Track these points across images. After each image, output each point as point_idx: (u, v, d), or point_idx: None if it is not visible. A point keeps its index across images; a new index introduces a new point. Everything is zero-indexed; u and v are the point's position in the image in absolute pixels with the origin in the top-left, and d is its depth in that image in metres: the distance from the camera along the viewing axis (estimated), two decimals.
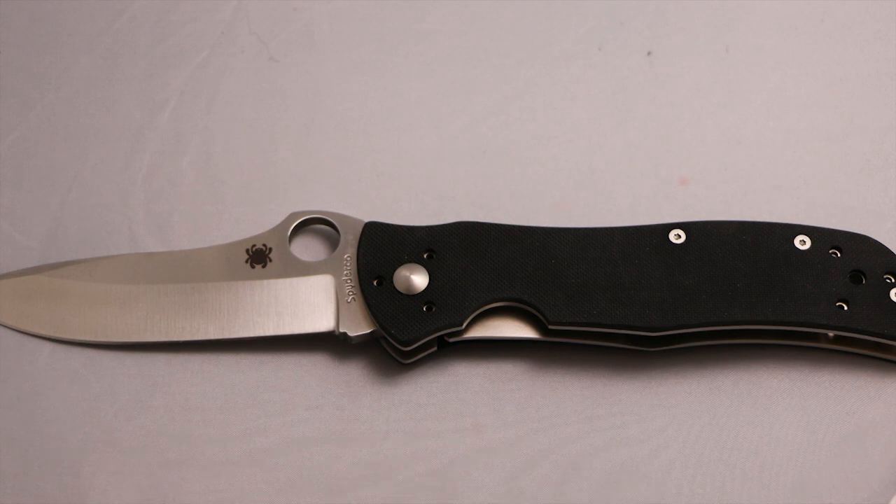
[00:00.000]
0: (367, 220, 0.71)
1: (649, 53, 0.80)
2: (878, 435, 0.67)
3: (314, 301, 0.69)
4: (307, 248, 0.73)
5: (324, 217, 0.72)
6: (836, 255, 0.69)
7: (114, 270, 0.71)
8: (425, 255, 0.69)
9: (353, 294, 0.69)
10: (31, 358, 0.70)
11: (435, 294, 0.68)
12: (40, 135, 0.77)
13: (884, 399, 0.68)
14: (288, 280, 0.70)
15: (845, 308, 0.67)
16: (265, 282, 0.70)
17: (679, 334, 0.68)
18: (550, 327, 0.68)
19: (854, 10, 0.81)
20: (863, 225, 0.71)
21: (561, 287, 0.68)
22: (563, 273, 0.68)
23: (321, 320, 0.69)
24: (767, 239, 0.69)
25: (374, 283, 0.69)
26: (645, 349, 0.69)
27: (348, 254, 0.70)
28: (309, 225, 0.72)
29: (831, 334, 0.69)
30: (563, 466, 0.67)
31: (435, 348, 0.69)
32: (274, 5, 0.81)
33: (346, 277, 0.69)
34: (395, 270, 0.69)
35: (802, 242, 0.69)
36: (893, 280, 0.68)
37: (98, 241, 0.73)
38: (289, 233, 0.71)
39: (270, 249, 0.71)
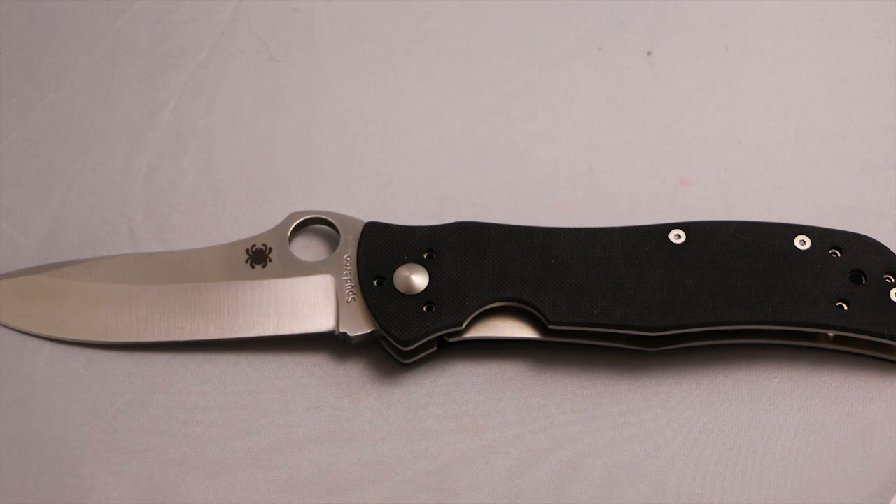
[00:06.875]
0: (367, 220, 0.71)
1: (649, 53, 0.80)
2: (878, 435, 0.67)
3: (314, 301, 0.69)
4: (307, 248, 0.73)
5: (324, 217, 0.72)
6: (836, 255, 0.69)
7: (114, 270, 0.71)
8: (425, 255, 0.69)
9: (353, 294, 0.69)
10: (31, 358, 0.70)
11: (435, 294, 0.68)
12: (40, 135, 0.77)
13: (884, 399, 0.68)
14: (288, 280, 0.70)
15: (845, 308, 0.67)
16: (265, 282, 0.70)
17: (679, 334, 0.68)
18: (550, 327, 0.68)
19: (854, 10, 0.81)
20: (863, 225, 0.71)
21: (561, 287, 0.68)
22: (563, 273, 0.68)
23: (321, 320, 0.69)
24: (767, 239, 0.69)
25: (374, 283, 0.69)
26: (645, 349, 0.69)
27: (348, 254, 0.70)
28: (309, 225, 0.72)
29: (831, 334, 0.69)
30: (563, 466, 0.67)
31: (435, 348, 0.69)
32: (274, 5, 0.81)
33: (346, 277, 0.69)
34: (395, 270, 0.69)
35: (802, 242, 0.69)
36: (893, 280, 0.68)
37: (98, 241, 0.73)
38: (289, 233, 0.71)
39: (270, 249, 0.71)
